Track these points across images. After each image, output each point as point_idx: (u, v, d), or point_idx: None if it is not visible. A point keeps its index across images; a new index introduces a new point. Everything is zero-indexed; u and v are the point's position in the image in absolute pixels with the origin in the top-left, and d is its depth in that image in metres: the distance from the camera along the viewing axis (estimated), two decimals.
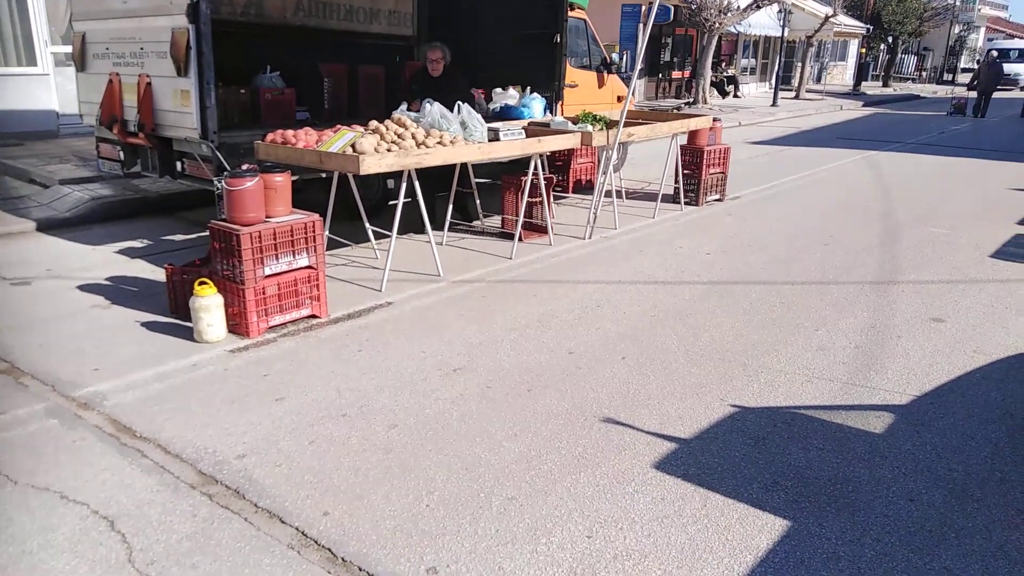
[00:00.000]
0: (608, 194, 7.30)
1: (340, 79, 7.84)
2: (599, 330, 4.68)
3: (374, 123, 5.31)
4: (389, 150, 4.99)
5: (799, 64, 29.84)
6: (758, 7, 22.18)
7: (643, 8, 22.66)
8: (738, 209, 8.47)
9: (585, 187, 9.29)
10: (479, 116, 6.03)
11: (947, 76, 42.69)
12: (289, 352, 4.23)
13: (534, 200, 6.76)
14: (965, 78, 41.24)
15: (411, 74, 7.62)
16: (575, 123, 7.43)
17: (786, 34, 25.44)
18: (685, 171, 8.49)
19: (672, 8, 22.55)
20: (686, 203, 8.47)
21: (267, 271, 4.43)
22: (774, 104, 23.56)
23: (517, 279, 5.71)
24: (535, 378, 3.97)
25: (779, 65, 25.98)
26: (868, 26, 31.88)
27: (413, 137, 5.23)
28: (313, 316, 4.74)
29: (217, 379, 3.87)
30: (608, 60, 10.46)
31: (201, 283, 4.31)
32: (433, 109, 5.81)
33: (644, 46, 6.85)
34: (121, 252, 6.33)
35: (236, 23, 7.90)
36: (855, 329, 4.78)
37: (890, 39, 34.28)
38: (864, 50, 33.40)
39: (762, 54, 31.28)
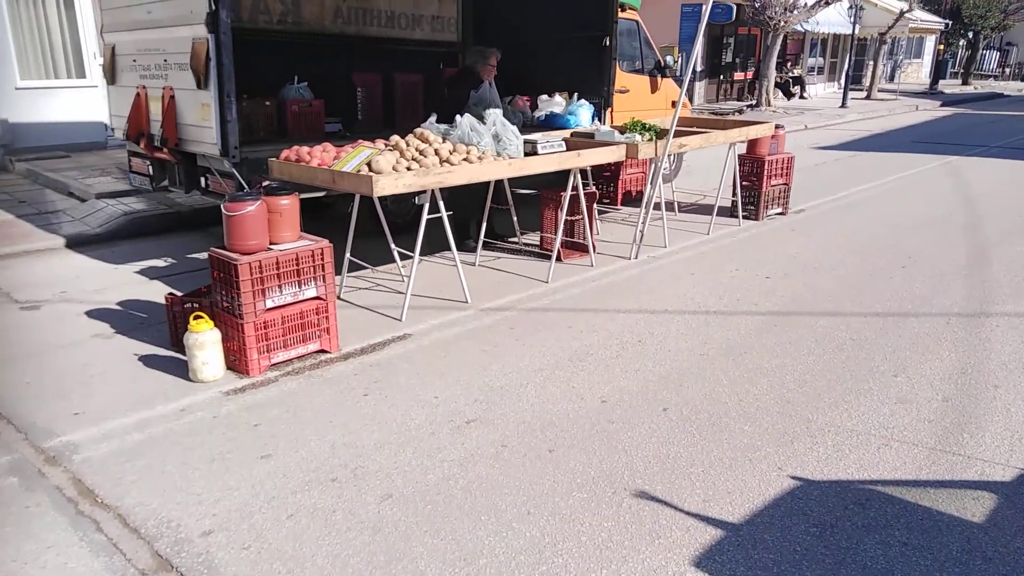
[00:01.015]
0: (657, 207, 6.69)
1: (374, 88, 7.47)
2: (639, 372, 4.12)
3: (395, 138, 4.87)
4: (409, 168, 4.54)
5: (870, 62, 28.36)
6: (827, 3, 21.05)
7: (704, 8, 21.87)
8: (802, 224, 7.74)
9: (635, 199, 8.69)
10: (514, 128, 5.53)
11: None
12: (288, 395, 3.81)
13: (574, 217, 6.22)
14: None
15: (454, 78, 7.19)
16: (623, 132, 6.87)
17: (857, 31, 24.15)
18: (744, 183, 7.81)
19: (734, 7, 21.62)
20: (744, 217, 7.79)
21: (269, 303, 4.03)
22: (843, 105, 22.35)
23: (551, 307, 5.18)
24: (559, 435, 3.44)
25: (849, 64, 24.71)
26: (946, 21, 30.10)
27: (436, 153, 4.77)
28: (323, 351, 4.33)
29: (203, 429, 3.47)
30: (663, 63, 9.83)
31: (196, 317, 3.94)
32: (463, 121, 5.34)
33: (700, 47, 6.23)
34: (142, 272, 6.07)
35: (271, 31, 7.63)
36: (942, 376, 4.09)
37: (970, 34, 32.31)
38: (942, 46, 31.57)
39: (830, 53, 29.88)
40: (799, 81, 25.55)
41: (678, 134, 6.63)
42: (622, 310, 5.11)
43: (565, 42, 8.62)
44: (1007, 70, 41.14)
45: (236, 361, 4.06)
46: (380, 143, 4.99)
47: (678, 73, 10.17)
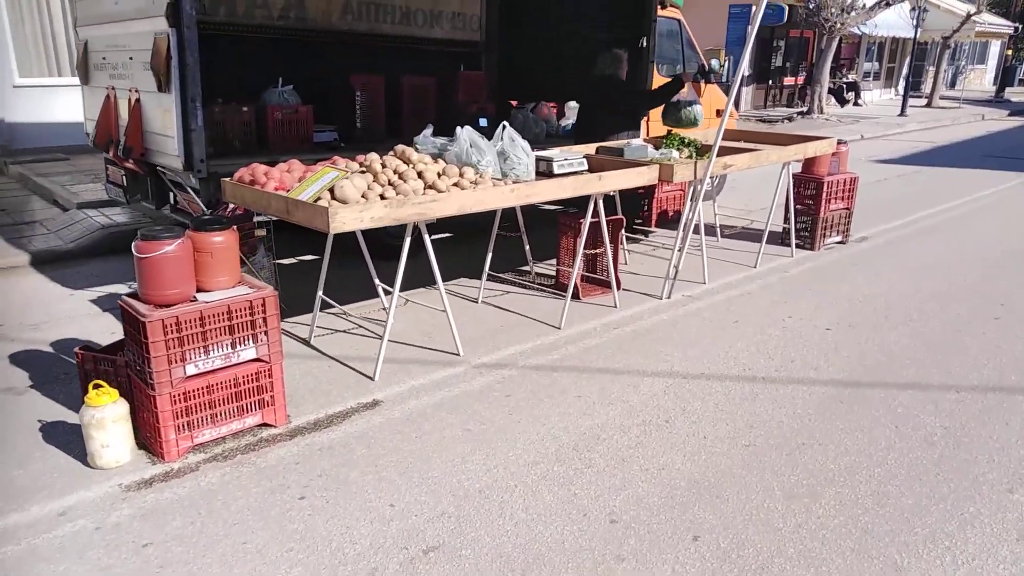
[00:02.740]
0: (696, 230, 5.69)
1: (376, 92, 6.60)
2: (663, 471, 3.16)
3: (371, 157, 3.98)
4: (383, 196, 3.65)
5: (931, 68, 26.72)
6: (887, 5, 19.63)
7: (756, 9, 20.61)
8: (866, 256, 6.65)
9: (672, 220, 7.68)
10: (525, 144, 4.60)
11: None
12: (204, 495, 2.94)
13: (595, 251, 5.27)
14: None
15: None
16: (657, 147, 5.91)
17: (918, 35, 22.61)
18: (798, 206, 6.76)
19: (786, 8, 20.33)
20: (798, 246, 6.74)
21: (192, 370, 3.17)
22: (902, 113, 20.91)
23: (561, 364, 4.24)
24: None
25: (908, 69, 23.18)
26: (1016, 25, 28.22)
27: (421, 176, 3.87)
28: (266, 424, 3.46)
29: (74, 550, 2.62)
30: (707, 67, 8.79)
31: (96, 386, 3.11)
32: (462, 135, 4.45)
33: (749, 51, 5.23)
34: (98, 300, 5.31)
35: (269, 28, 6.87)
36: None
37: None
38: (1011, 51, 29.66)
39: (888, 57, 28.26)
40: (854, 87, 24.12)
41: (723, 151, 5.63)
42: (648, 372, 4.14)
43: (597, 42, 7.68)
44: None
45: (151, 439, 3.22)
46: (356, 162, 4.11)
47: (724, 79, 9.14)
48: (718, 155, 5.43)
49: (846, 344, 4.60)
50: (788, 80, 23.30)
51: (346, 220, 3.38)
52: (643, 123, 7.46)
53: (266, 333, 3.35)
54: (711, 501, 2.96)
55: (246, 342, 3.31)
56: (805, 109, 20.47)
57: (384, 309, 4.87)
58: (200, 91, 4.65)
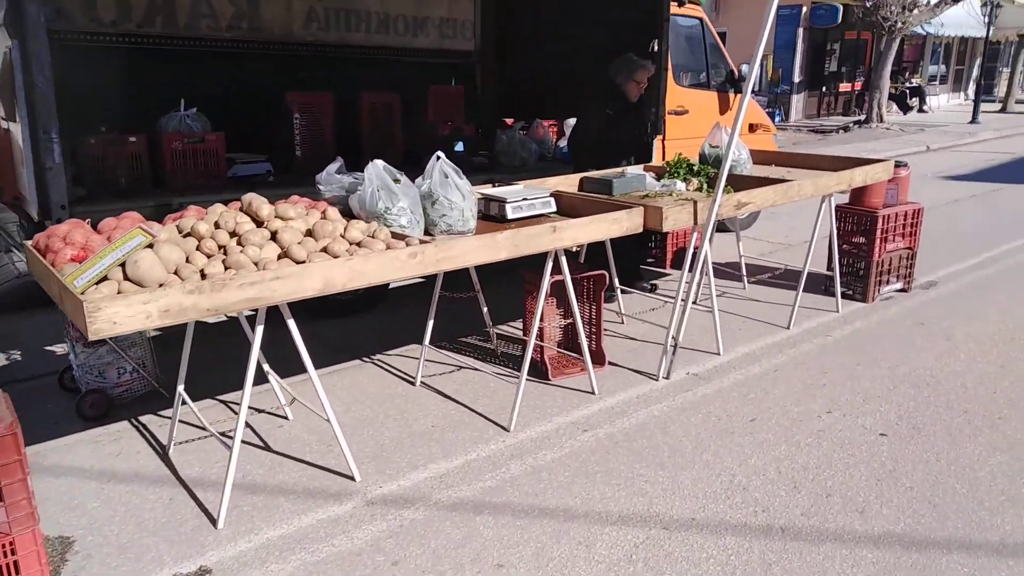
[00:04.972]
0: (709, 278, 4.41)
1: (321, 113, 5.48)
2: None
3: (215, 208, 2.82)
4: (203, 273, 2.48)
5: (1005, 69, 24.49)
6: (955, 1, 17.79)
7: (804, 9, 18.91)
8: (935, 311, 5.21)
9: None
10: (463, 183, 3.37)
11: None
12: None
13: (566, 321, 4.02)
14: None
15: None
16: (660, 177, 4.67)
17: (991, 33, 20.60)
18: (845, 246, 5.37)
19: (840, 8, 18.67)
20: (847, 297, 5.35)
21: None
22: (974, 120, 18.95)
23: (491, 499, 2.99)
24: None
25: (980, 71, 21.15)
26: None
27: (276, 238, 2.69)
28: None
29: None
30: (737, 75, 7.47)
31: None
32: (371, 172, 3.26)
33: (760, 56, 3.86)
34: None
35: (223, 40, 5.88)
36: None
37: None
38: None
39: (956, 59, 26.10)
40: (918, 92, 22.16)
41: (743, 181, 4.33)
42: (613, 517, 2.86)
43: (602, 48, 6.46)
44: None
45: None
46: (186, 217, 2.94)
47: (756, 86, 7.77)
48: (736, 188, 4.15)
49: (908, 463, 3.23)
50: (844, 86, 21.51)
51: (118, 318, 2.21)
52: (657, 142, 6.18)
53: None
54: None
55: None
56: (863, 117, 18.72)
57: (283, 403, 3.70)
58: (55, 119, 3.66)
